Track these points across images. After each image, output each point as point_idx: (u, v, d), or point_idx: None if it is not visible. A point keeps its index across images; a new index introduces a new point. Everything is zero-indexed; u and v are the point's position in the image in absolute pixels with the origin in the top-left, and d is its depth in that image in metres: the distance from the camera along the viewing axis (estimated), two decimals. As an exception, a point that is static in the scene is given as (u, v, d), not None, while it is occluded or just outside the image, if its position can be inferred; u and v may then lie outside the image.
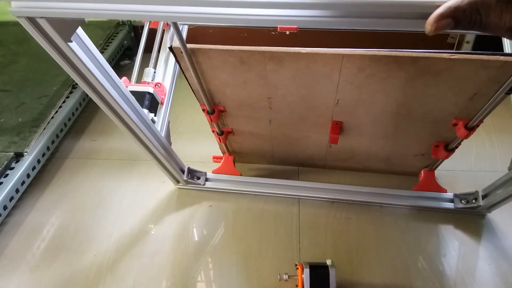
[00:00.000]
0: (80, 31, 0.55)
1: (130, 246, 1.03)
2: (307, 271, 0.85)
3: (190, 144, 1.28)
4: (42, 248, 1.03)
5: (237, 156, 1.18)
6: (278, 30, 0.92)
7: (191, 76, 0.77)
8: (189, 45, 0.68)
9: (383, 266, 0.96)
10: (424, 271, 0.94)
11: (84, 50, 0.57)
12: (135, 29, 1.69)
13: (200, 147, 1.27)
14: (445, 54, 0.63)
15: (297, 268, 0.89)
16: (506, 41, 0.84)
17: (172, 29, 0.98)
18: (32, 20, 0.49)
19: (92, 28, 1.59)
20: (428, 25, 0.34)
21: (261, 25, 0.43)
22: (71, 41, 0.53)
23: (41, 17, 0.48)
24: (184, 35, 0.91)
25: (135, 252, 1.01)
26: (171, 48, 0.68)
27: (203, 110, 0.90)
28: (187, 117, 1.39)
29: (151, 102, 0.86)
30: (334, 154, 1.08)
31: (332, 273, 0.85)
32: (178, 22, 0.71)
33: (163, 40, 0.98)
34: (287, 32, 0.88)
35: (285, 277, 0.90)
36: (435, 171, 1.10)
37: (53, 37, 0.51)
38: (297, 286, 0.88)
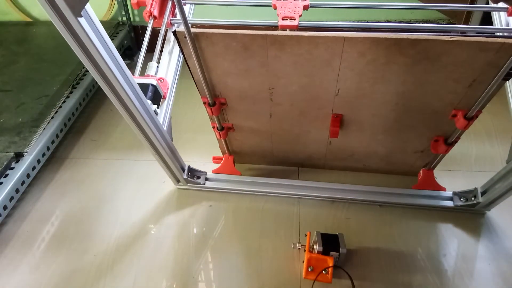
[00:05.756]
0: (88, 7, 0.56)
1: (130, 246, 1.02)
2: (318, 233, 0.92)
3: (190, 145, 1.29)
4: (42, 248, 1.02)
5: (237, 156, 1.18)
6: (279, 29, 0.94)
7: (194, 65, 0.78)
8: (192, 30, 0.69)
9: (382, 265, 0.95)
10: (423, 270, 0.94)
11: (92, 27, 0.58)
12: (135, 29, 1.70)
13: (200, 148, 1.27)
14: (444, 37, 0.64)
15: (306, 235, 0.95)
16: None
17: (174, 27, 1.00)
18: (43, -8, 0.50)
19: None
20: None
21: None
22: (81, 16, 0.54)
23: (53, -12, 0.49)
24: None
25: (135, 252, 1.00)
26: (174, 33, 0.69)
27: (204, 102, 0.91)
28: (187, 118, 1.40)
29: (154, 94, 0.87)
30: (333, 152, 1.09)
31: (340, 237, 0.91)
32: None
33: (166, 38, 0.99)
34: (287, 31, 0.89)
35: (298, 245, 0.96)
36: (435, 172, 1.11)
37: (63, 11, 0.52)
38: (305, 250, 0.93)
